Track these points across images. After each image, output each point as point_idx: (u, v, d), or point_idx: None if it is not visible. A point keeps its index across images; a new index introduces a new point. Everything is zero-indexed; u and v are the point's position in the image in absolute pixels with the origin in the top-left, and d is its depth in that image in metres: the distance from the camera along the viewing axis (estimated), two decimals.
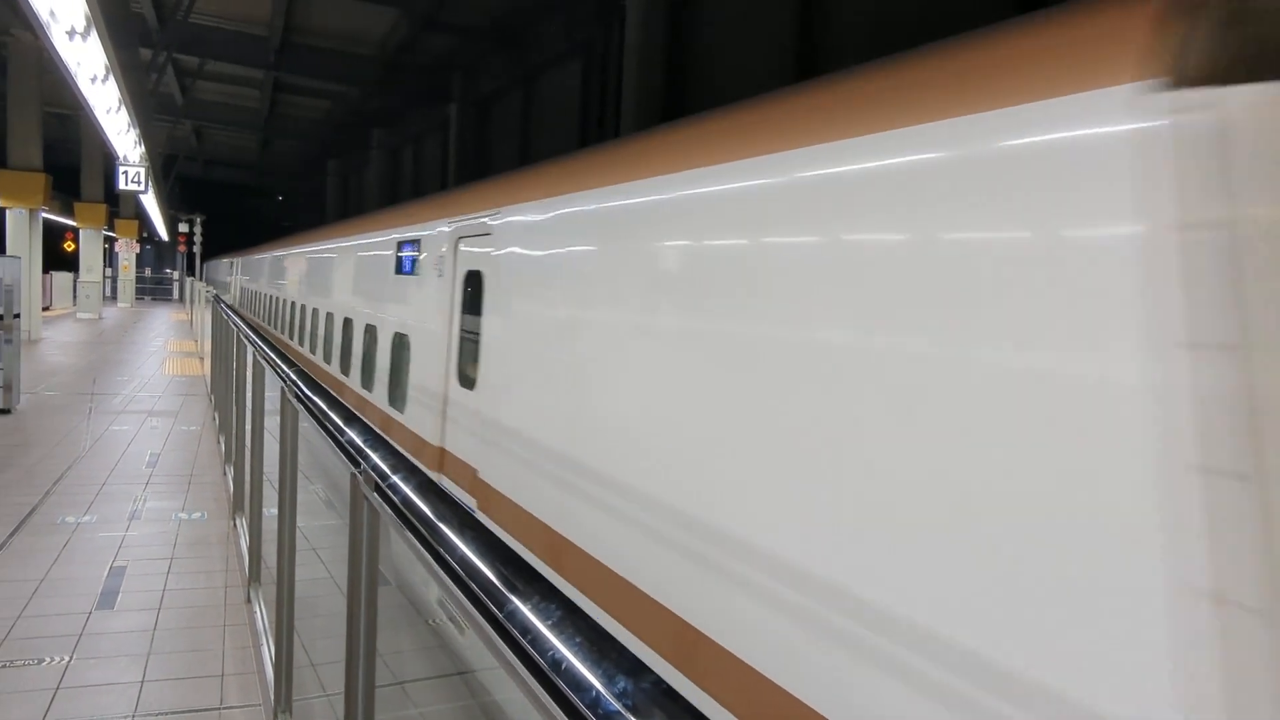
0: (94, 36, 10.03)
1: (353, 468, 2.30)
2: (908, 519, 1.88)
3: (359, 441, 2.41)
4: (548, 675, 1.07)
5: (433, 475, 4.11)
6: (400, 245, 7.05)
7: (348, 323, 8.96)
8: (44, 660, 4.59)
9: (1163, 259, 1.46)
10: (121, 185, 16.13)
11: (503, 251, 4.65)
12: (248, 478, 6.47)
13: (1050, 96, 1.73)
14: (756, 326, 2.43)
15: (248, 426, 6.98)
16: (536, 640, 1.13)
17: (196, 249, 43.48)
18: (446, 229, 5.84)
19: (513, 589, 1.27)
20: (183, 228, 45.47)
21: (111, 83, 12.64)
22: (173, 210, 46.08)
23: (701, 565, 2.53)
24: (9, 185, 21.26)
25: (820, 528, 2.12)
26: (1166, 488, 1.39)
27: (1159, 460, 1.41)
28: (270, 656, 4.43)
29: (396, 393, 6.77)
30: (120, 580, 5.78)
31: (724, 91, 13.63)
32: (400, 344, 6.75)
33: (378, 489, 2.10)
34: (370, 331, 7.84)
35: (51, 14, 8.93)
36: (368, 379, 7.75)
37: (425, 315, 6.11)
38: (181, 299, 48.34)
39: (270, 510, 5.33)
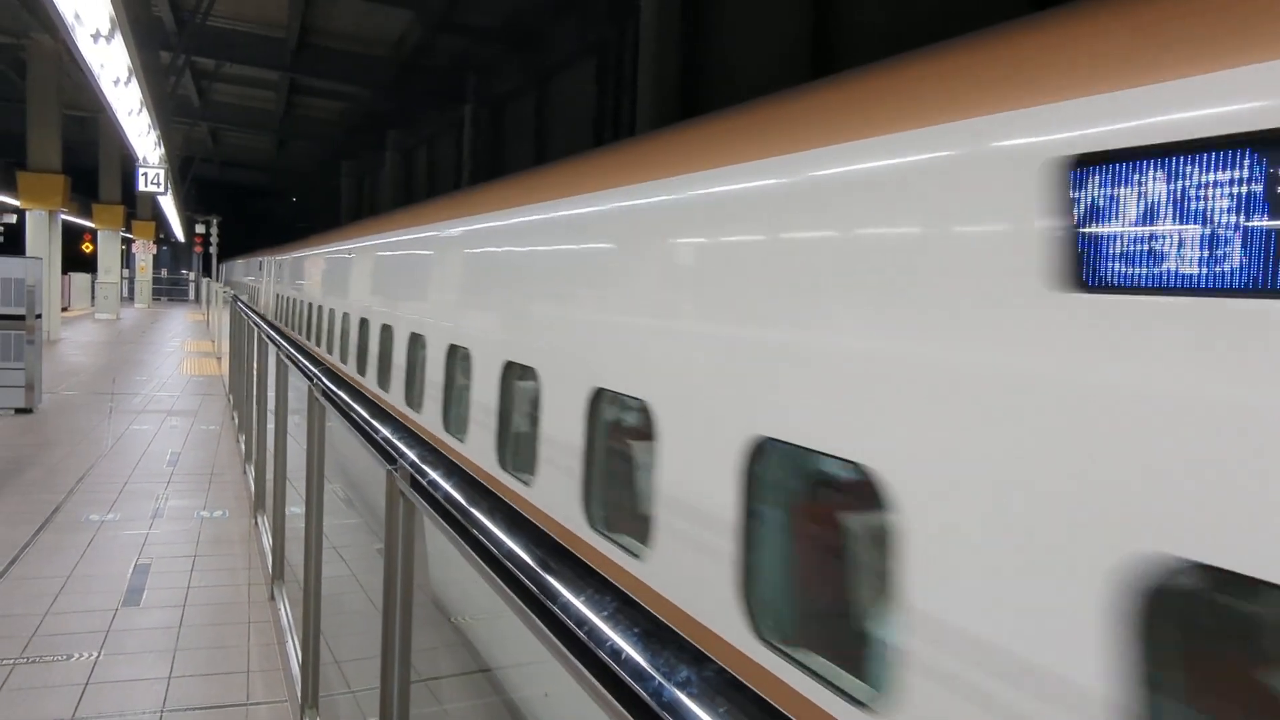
0: (118, 39, 10.11)
1: (388, 465, 2.32)
2: None
3: (393, 439, 2.43)
4: (607, 666, 1.08)
5: None
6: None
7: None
8: (72, 656, 4.64)
9: None
10: (141, 187, 16.25)
11: None
12: (269, 477, 6.51)
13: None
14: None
15: (269, 426, 7.02)
16: (593, 632, 1.14)
17: (213, 250, 43.68)
18: None
19: (565, 581, 1.28)
20: (199, 229, 45.71)
21: (133, 85, 12.74)
22: (189, 212, 46.35)
23: None
24: (29, 187, 21.43)
25: None
26: None
27: None
28: (296, 653, 4.45)
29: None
30: (145, 577, 5.82)
31: (738, 88, 13.62)
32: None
33: (415, 485, 2.12)
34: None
35: (77, 16, 9.01)
36: None
37: None
38: (198, 300, 48.63)
39: (292, 509, 5.37)
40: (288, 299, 16.47)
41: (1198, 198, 1.45)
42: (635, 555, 2.86)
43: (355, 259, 9.57)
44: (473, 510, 1.68)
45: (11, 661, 4.53)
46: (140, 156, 16.05)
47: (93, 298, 34.81)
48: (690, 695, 0.95)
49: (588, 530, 3.38)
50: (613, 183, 3.67)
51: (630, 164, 3.72)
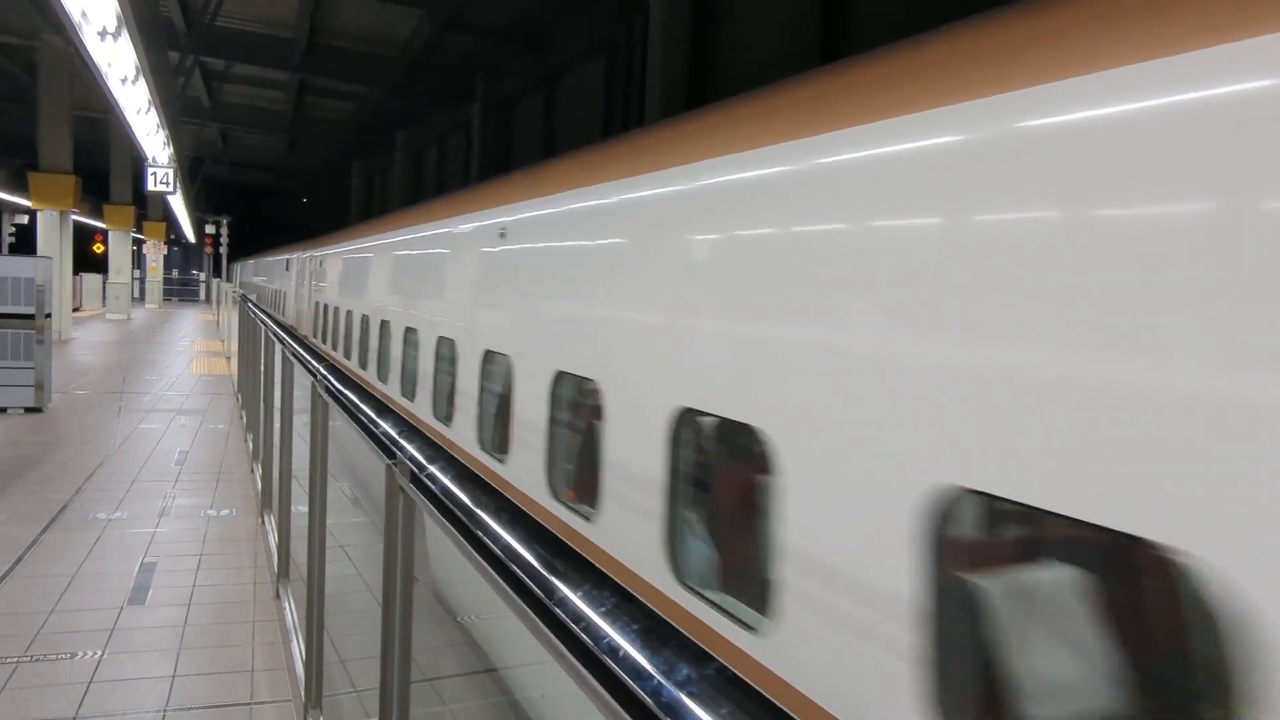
0: (124, 37, 10.12)
1: (387, 459, 2.27)
2: None
3: (393, 433, 2.38)
4: (603, 664, 1.03)
5: None
6: None
7: None
8: (76, 654, 4.61)
9: None
10: (150, 186, 16.29)
11: None
12: (276, 475, 6.49)
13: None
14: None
15: (275, 424, 7.00)
16: (590, 628, 1.09)
17: (223, 250, 43.84)
18: None
19: (561, 576, 1.23)
20: (210, 229, 45.87)
21: (141, 84, 12.76)
22: (200, 212, 46.51)
23: None
24: (40, 187, 21.52)
25: None
26: None
27: None
28: (300, 653, 4.42)
29: None
30: (151, 576, 5.80)
31: (747, 84, 13.53)
32: None
33: (414, 480, 2.07)
34: None
35: (83, 15, 9.01)
36: None
37: None
38: (208, 300, 48.82)
39: (299, 507, 5.34)
40: (347, 315, 10.52)
41: None
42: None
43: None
44: (477, 510, 1.63)
45: (15, 660, 4.50)
46: (149, 156, 16.09)
47: (104, 298, 34.98)
48: (690, 695, 0.90)
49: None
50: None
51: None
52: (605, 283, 3.82)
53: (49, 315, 12.00)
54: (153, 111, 14.85)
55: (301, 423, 5.29)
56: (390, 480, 2.25)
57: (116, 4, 9.06)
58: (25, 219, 30.80)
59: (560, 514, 3.98)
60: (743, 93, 3.45)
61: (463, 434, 5.52)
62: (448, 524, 1.76)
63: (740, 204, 2.91)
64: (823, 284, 2.47)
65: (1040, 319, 1.82)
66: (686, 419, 3.14)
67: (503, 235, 5.11)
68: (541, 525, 1.48)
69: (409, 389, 7.19)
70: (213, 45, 22.13)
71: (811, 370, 2.48)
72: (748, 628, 2.63)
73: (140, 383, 15.20)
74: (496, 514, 1.57)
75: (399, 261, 8.29)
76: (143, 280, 41.69)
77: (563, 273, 4.22)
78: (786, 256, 2.62)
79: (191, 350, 21.45)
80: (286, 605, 5.20)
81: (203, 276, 55.89)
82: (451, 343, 6.02)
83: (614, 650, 1.02)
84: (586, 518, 3.72)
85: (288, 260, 18.93)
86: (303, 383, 4.80)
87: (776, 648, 2.50)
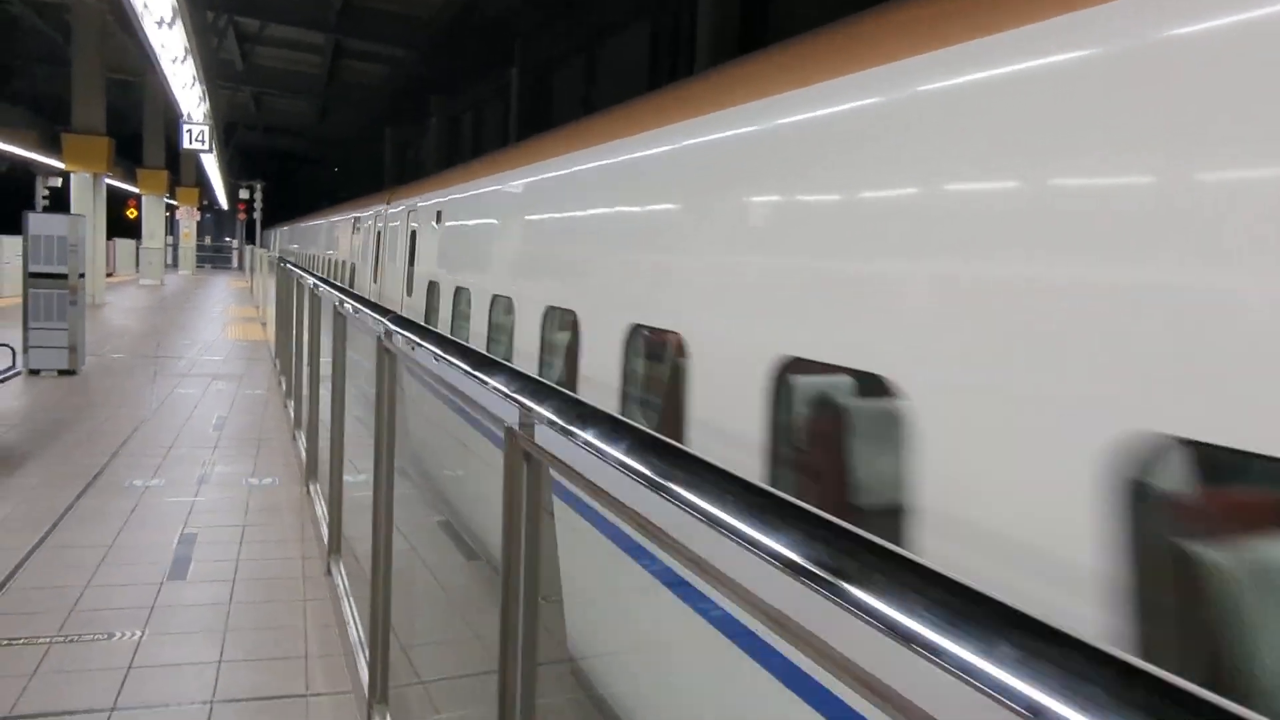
0: None
1: (510, 419, 1.79)
2: None
3: (511, 389, 1.89)
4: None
5: None
6: None
7: None
8: (114, 635, 4.20)
9: None
10: (185, 144, 15.87)
11: None
12: (325, 443, 6.07)
13: None
14: None
15: (323, 389, 6.57)
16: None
17: (257, 216, 43.57)
18: None
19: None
20: (243, 194, 45.60)
21: (179, 31, 12.28)
22: (233, 178, 46.29)
23: None
24: (73, 149, 21.20)
25: None
26: None
27: None
28: (359, 639, 3.98)
29: None
30: (191, 548, 5.39)
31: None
32: None
33: (539, 444, 1.61)
34: None
35: None
36: None
37: None
38: (241, 267, 48.72)
39: (352, 478, 4.89)
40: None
41: None
42: None
43: None
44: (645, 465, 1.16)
45: (48, 640, 4.10)
46: (184, 113, 15.67)
47: (137, 264, 34.86)
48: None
49: None
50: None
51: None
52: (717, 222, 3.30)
53: (82, 276, 11.65)
54: (189, 63, 14.40)
55: (356, 387, 4.85)
56: (513, 445, 1.77)
57: None
58: (59, 182, 30.62)
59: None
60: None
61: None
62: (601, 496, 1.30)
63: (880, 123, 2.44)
64: (994, 205, 2.01)
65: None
66: (790, 371, 2.69)
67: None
68: (772, 493, 1.00)
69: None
70: (247, 4, 21.69)
71: (960, 312, 2.04)
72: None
73: (175, 347, 14.89)
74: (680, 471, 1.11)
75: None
76: (175, 246, 41.58)
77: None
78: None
79: (226, 316, 21.17)
80: (340, 583, 4.76)
81: (235, 243, 55.85)
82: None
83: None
84: None
85: (358, 220, 13.40)
86: (363, 345, 4.33)
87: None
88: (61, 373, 11.31)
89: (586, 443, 1.45)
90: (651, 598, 3.20)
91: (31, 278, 11.23)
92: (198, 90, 14.93)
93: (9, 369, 8.54)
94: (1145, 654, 1.57)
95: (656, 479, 1.19)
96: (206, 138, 15.67)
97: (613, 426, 1.43)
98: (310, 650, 4.20)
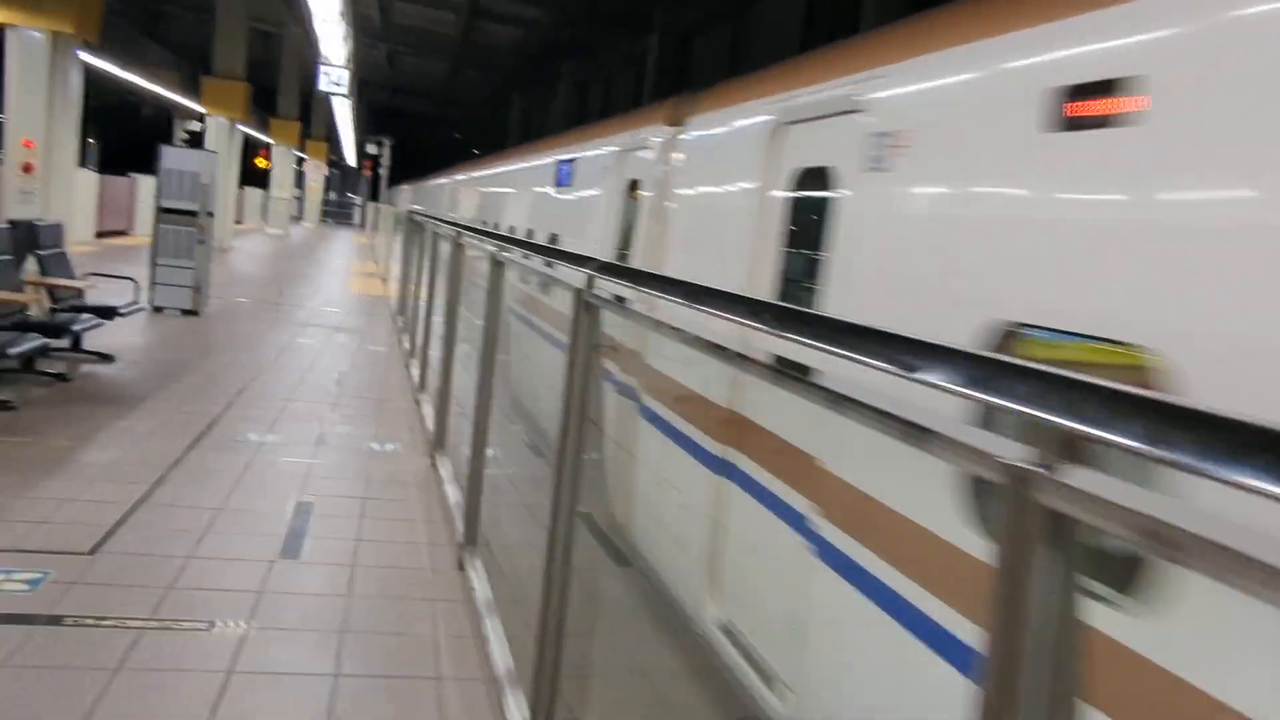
0: None
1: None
2: None
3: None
4: None
5: None
6: None
7: None
8: (214, 625, 3.51)
9: None
10: (321, 87, 15.52)
11: None
12: (461, 413, 5.35)
13: None
14: None
15: (458, 350, 5.84)
16: None
17: (383, 174, 43.86)
18: None
19: None
20: (371, 149, 45.99)
21: None
22: (361, 134, 46.78)
23: None
24: (212, 93, 21.33)
25: None
26: None
27: None
28: (506, 667, 3.19)
29: None
30: (307, 521, 4.71)
31: None
32: None
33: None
34: None
35: None
36: None
37: None
38: (363, 225, 49.36)
39: (497, 467, 4.12)
40: None
41: None
42: None
43: None
44: None
45: (139, 624, 3.43)
46: (324, 55, 15.30)
47: (264, 213, 35.44)
48: None
49: None
50: None
51: None
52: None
53: (211, 214, 11.29)
54: (339, 11, 13.99)
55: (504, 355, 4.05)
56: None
57: None
58: (197, 126, 31.18)
59: None
60: None
61: None
62: None
63: None
64: None
65: None
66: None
67: None
68: None
69: None
70: None
71: None
72: None
73: (297, 296, 14.59)
74: None
75: None
76: (302, 199, 42.24)
77: None
78: None
79: (348, 270, 21.01)
80: (475, 583, 3.99)
81: (359, 200, 56.73)
82: None
83: None
84: None
85: (574, 165, 8.08)
86: (535, 299, 3.48)
87: None
88: (185, 312, 10.99)
89: None
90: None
91: (162, 213, 10.91)
92: (343, 36, 14.47)
93: (132, 303, 8.13)
94: None
95: None
96: (346, 81, 15.25)
97: None
98: (443, 668, 3.43)
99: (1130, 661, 1.85)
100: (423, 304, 9.00)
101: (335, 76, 15.26)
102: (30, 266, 7.67)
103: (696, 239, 4.84)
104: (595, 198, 6.97)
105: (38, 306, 7.42)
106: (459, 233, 5.86)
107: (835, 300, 3.27)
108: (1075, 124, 2.21)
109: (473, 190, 15.73)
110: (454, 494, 5.00)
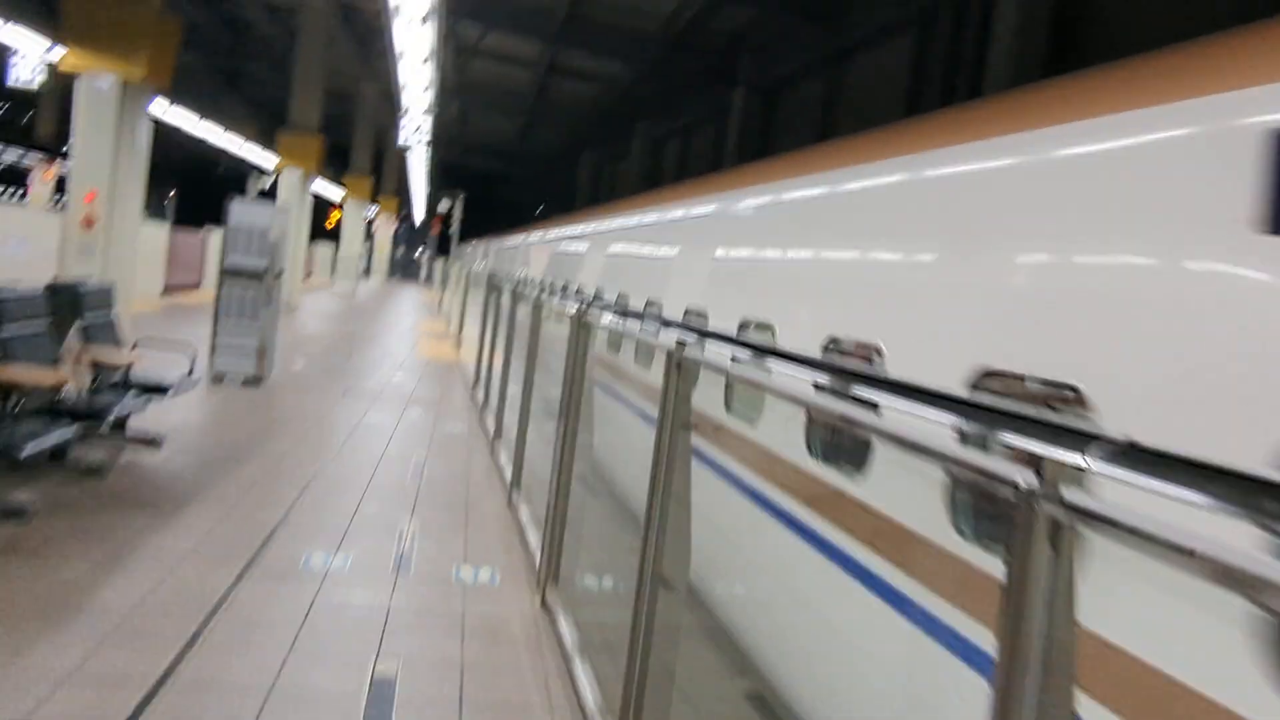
0: None
1: None
2: None
3: None
4: None
5: None
6: None
7: None
8: None
9: None
10: (401, 139, 14.66)
11: None
12: (584, 542, 4.09)
13: None
14: None
15: (565, 447, 4.57)
16: None
17: (454, 229, 43.38)
18: None
19: None
20: (443, 205, 45.67)
21: (429, 28, 11.05)
22: (433, 190, 46.64)
23: None
24: (287, 145, 20.86)
25: None
26: None
27: None
28: None
29: None
30: (388, 710, 3.42)
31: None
32: None
33: None
34: None
35: None
36: None
37: None
38: (429, 280, 49.01)
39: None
40: None
41: None
42: None
43: None
44: None
45: None
46: (405, 106, 14.48)
47: (332, 269, 35.10)
48: None
49: None
50: None
51: None
52: None
53: (280, 274, 10.31)
54: (424, 66, 13.24)
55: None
56: None
57: None
58: (269, 183, 31.02)
59: None
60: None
61: None
62: None
63: None
64: None
65: None
66: None
67: None
68: None
69: None
70: (476, 9, 20.73)
71: None
72: None
73: (366, 360, 13.57)
74: None
75: None
76: (370, 254, 41.98)
77: None
78: None
79: (417, 330, 20.07)
80: None
81: (424, 256, 56.61)
82: None
83: None
84: None
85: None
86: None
87: None
88: (247, 381, 9.97)
89: None
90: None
91: (226, 273, 9.96)
92: (425, 86, 13.66)
93: (186, 376, 7.02)
94: None
95: None
96: (428, 129, 14.39)
97: None
98: None
99: None
100: (505, 379, 7.83)
101: (416, 125, 14.39)
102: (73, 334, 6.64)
103: None
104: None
105: (76, 383, 6.36)
106: (586, 307, 4.60)
107: None
108: None
109: (576, 250, 12.90)
110: (584, 673, 3.66)
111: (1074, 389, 2.52)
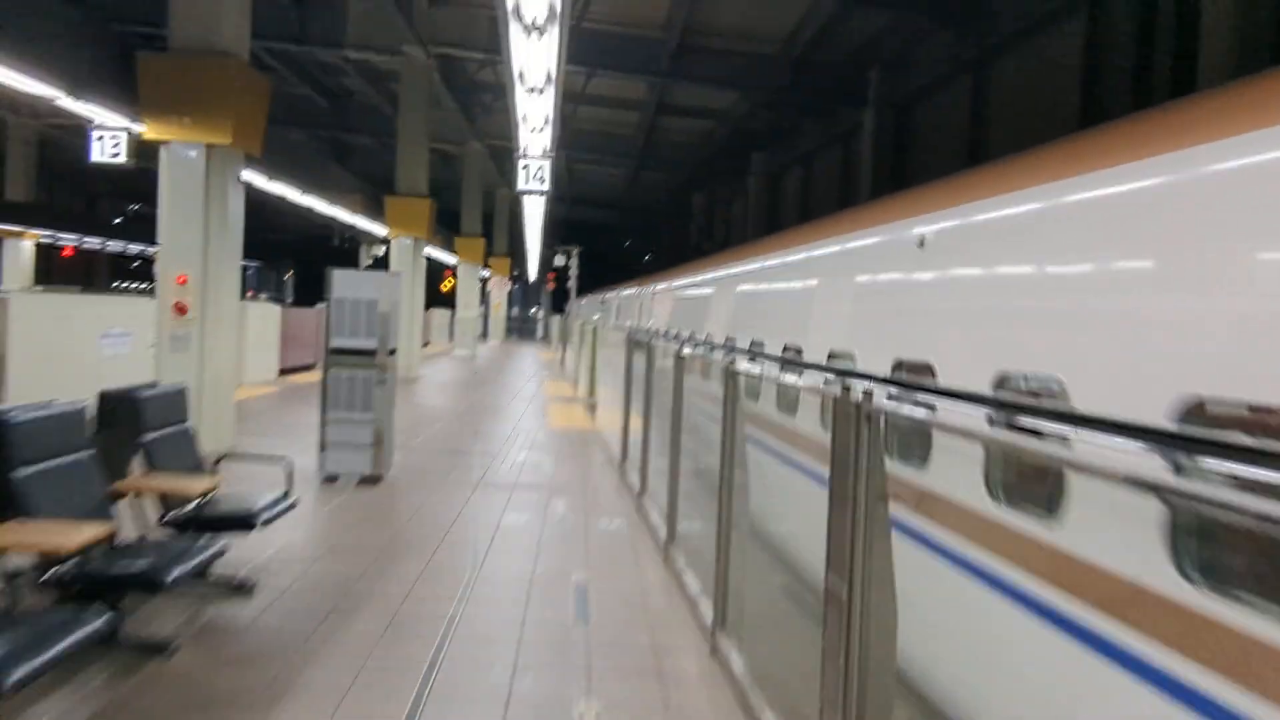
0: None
1: None
2: None
3: None
4: None
5: None
6: None
7: None
8: None
9: None
10: (521, 184, 13.31)
11: None
12: None
13: None
14: None
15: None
16: None
17: (571, 284, 42.34)
18: None
19: None
20: (558, 260, 44.80)
21: (549, 94, 9.76)
22: (546, 245, 45.96)
23: None
24: (395, 211, 19.93)
25: None
26: None
27: None
28: None
29: None
30: None
31: None
32: None
33: None
34: None
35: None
36: None
37: None
38: (546, 338, 48.14)
39: None
40: None
41: None
42: None
43: None
44: None
45: None
46: (523, 146, 13.13)
47: (450, 334, 34.40)
48: None
49: None
50: None
51: None
52: None
53: (393, 352, 8.88)
54: (546, 129, 11.99)
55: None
56: None
57: None
58: (382, 251, 30.57)
59: None
60: None
61: None
62: None
63: None
64: None
65: None
66: None
67: None
68: None
69: None
70: (579, 51, 19.54)
71: None
72: None
73: (494, 438, 12.05)
74: None
75: None
76: (486, 316, 41.32)
77: None
78: None
79: (542, 394, 18.62)
80: None
81: (540, 314, 56.01)
82: None
83: None
84: None
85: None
86: None
87: None
88: (363, 480, 8.52)
89: None
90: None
91: (332, 355, 8.58)
92: (541, 125, 12.32)
93: (281, 498, 5.47)
94: None
95: None
96: (547, 173, 13.00)
97: None
98: None
99: None
100: (674, 463, 6.09)
101: (535, 170, 13.03)
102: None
103: None
104: None
105: (139, 523, 4.90)
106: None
107: None
108: None
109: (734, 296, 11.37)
110: None
111: None
